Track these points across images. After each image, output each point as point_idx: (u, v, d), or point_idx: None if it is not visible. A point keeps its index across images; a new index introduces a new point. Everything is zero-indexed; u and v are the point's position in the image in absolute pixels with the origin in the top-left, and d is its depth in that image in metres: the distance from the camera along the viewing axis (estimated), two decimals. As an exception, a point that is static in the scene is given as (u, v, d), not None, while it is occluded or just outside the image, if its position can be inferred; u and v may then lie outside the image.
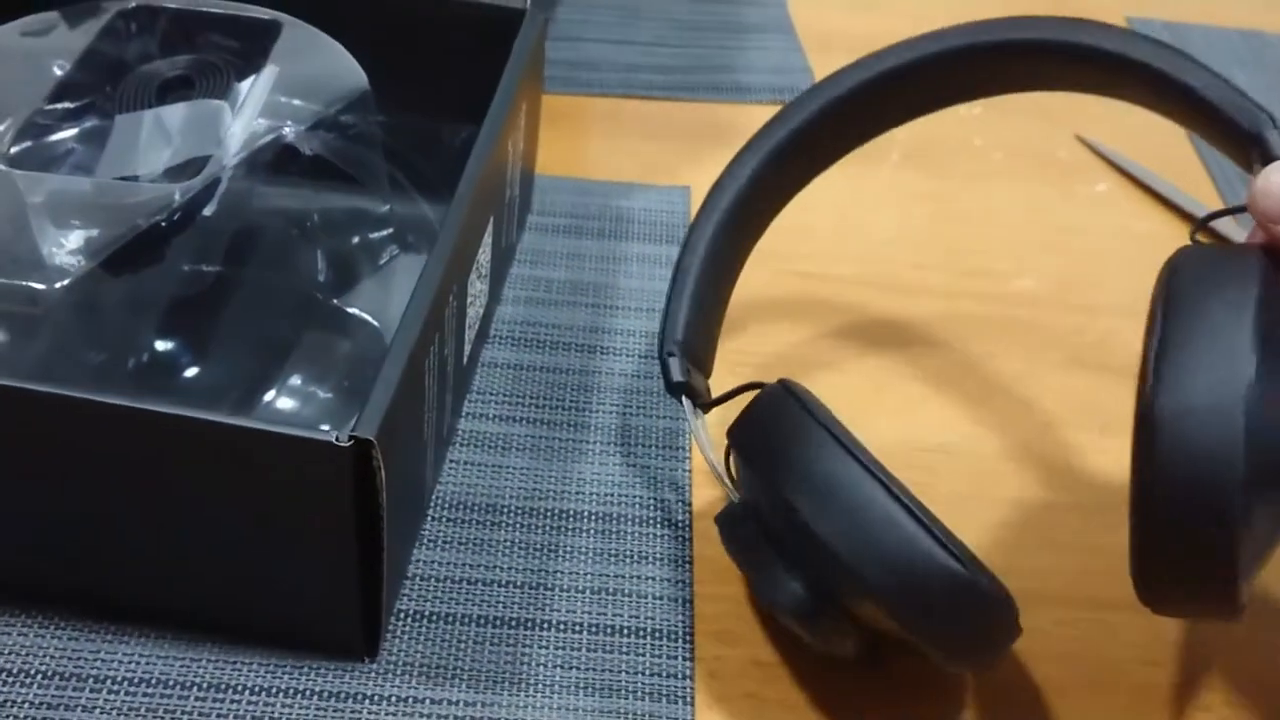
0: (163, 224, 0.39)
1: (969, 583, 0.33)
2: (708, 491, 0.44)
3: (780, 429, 0.36)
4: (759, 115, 0.62)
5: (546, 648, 0.38)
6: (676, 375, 0.40)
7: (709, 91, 0.63)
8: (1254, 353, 0.30)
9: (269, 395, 0.42)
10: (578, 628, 0.39)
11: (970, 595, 0.33)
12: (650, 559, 0.41)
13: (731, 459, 0.38)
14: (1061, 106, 0.65)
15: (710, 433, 0.39)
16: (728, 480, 0.39)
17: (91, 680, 0.36)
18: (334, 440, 0.32)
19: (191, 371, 0.42)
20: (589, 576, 0.41)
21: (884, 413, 0.47)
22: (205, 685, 0.36)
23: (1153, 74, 0.38)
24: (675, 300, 0.41)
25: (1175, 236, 0.58)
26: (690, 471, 0.44)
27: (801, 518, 0.34)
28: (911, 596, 0.33)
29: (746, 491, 0.38)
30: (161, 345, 0.42)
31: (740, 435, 0.37)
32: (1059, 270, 0.55)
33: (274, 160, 0.43)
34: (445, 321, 0.38)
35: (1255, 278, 0.32)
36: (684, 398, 0.40)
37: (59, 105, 0.43)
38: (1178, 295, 0.32)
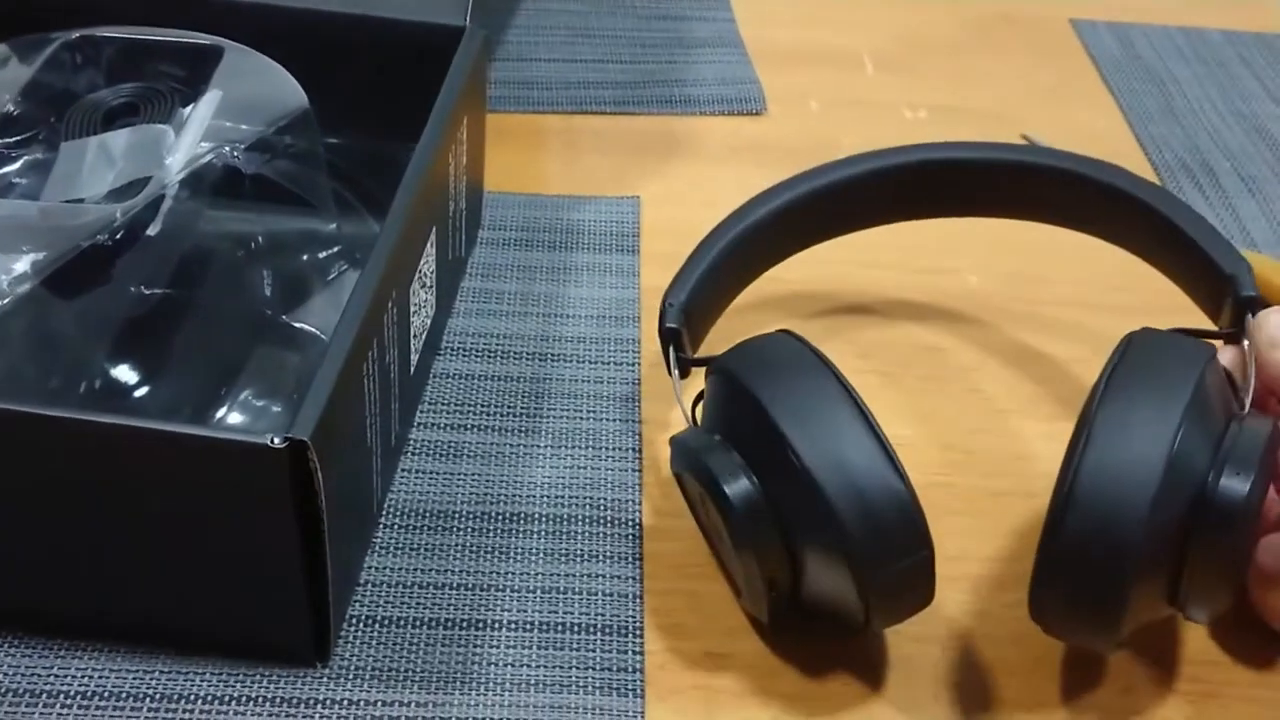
0: (107, 243, 0.40)
1: (903, 496, 0.35)
2: (658, 490, 0.44)
3: (779, 358, 0.38)
4: (709, 126, 0.63)
5: (497, 647, 0.39)
6: (670, 322, 0.42)
7: (659, 105, 0.64)
8: (1179, 422, 0.34)
9: (221, 411, 0.43)
10: (528, 626, 0.39)
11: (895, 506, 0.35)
12: (600, 557, 0.42)
13: (701, 403, 0.40)
14: (1009, 109, 0.66)
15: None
16: (691, 419, 0.40)
17: (45, 696, 0.36)
18: (269, 443, 0.32)
19: (143, 391, 0.43)
20: (540, 576, 0.41)
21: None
22: (158, 696, 0.37)
23: (1141, 209, 0.45)
24: (690, 265, 0.44)
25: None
26: (640, 471, 0.45)
27: (778, 430, 0.36)
28: (856, 507, 0.35)
29: (712, 424, 0.39)
30: (113, 367, 0.43)
31: (731, 361, 0.38)
32: (1008, 267, 0.56)
33: (220, 183, 0.44)
34: (385, 329, 0.39)
35: (1199, 366, 0.36)
36: (670, 345, 0.42)
37: (2, 140, 0.43)
38: (1126, 364, 0.36)
